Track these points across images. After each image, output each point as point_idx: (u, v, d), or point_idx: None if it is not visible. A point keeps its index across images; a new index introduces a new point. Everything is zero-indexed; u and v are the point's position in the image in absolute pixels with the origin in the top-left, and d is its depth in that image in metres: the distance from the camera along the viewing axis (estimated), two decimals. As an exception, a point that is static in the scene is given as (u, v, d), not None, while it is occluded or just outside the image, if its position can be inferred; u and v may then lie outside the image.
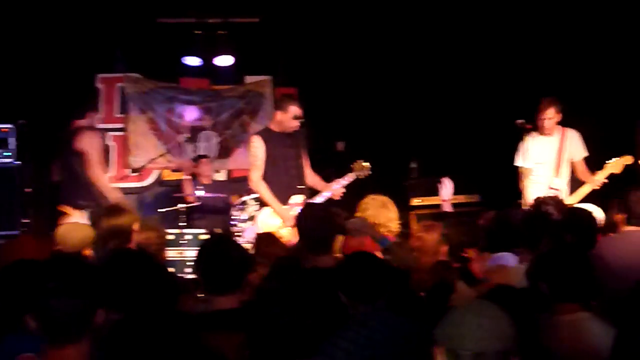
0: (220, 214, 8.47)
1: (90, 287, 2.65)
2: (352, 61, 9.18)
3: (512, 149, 7.00)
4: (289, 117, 6.37)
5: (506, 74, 8.44)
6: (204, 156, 9.07)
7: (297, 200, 6.35)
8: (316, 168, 6.80)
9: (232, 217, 7.56)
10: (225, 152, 9.74)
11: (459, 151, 8.88)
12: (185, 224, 8.07)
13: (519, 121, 6.71)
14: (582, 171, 6.96)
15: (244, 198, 7.52)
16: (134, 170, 8.82)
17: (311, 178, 6.64)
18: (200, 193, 8.31)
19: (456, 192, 8.15)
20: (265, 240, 5.08)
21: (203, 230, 7.89)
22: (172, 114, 9.65)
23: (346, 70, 9.19)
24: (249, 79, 9.88)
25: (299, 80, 9.43)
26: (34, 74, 8.60)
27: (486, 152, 8.41)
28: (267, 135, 6.43)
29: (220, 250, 3.45)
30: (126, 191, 8.44)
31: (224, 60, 9.50)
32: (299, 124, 6.40)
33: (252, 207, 7.28)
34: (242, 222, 7.34)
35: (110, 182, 6.87)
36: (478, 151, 8.68)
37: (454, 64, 8.97)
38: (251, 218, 7.17)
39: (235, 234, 7.12)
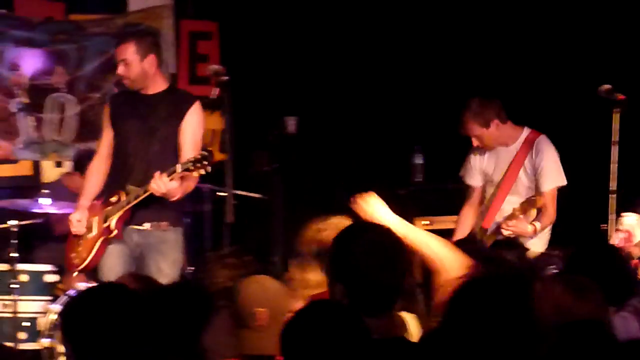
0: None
1: None
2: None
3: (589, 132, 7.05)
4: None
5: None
6: None
7: None
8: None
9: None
10: (90, 130, 8.92)
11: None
12: (17, 254, 7.24)
13: (605, 87, 6.22)
14: None
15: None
16: None
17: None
18: (45, 202, 7.51)
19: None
20: None
21: (50, 267, 7.25)
22: (-1, 62, 9.16)
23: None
24: (135, 4, 9.31)
25: (221, 10, 9.14)
26: None
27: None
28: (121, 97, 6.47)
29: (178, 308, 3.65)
30: None
31: (91, -27, 9.10)
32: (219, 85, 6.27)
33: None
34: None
35: None
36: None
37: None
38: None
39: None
